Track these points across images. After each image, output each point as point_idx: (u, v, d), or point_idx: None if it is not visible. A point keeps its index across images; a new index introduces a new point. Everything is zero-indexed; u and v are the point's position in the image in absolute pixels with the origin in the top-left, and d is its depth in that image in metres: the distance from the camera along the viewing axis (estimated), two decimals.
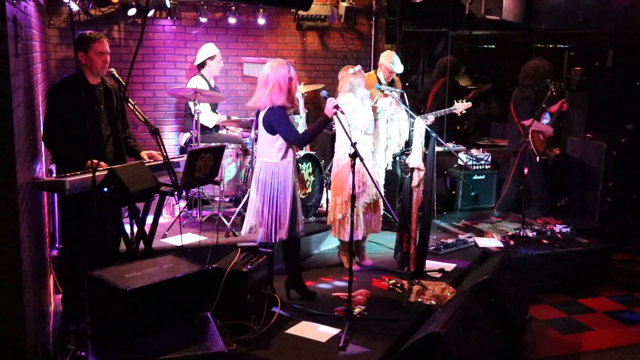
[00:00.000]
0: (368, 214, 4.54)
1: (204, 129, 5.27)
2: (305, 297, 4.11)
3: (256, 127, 4.12)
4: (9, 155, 2.35)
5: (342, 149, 4.45)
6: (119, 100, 3.64)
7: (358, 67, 4.51)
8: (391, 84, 5.46)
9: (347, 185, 4.34)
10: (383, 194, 4.56)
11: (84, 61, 3.45)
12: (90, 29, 3.58)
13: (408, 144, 4.95)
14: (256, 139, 4.44)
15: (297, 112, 5.56)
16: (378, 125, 4.58)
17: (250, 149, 5.03)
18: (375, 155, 4.58)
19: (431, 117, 5.09)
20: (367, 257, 4.85)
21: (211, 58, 5.52)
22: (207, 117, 5.39)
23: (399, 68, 5.44)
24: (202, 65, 5.56)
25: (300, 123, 5.61)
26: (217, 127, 5.59)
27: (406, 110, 4.74)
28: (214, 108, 5.57)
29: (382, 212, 4.67)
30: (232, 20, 6.15)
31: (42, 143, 3.57)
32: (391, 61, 5.41)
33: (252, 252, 3.81)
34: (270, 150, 3.85)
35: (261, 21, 6.28)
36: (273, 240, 3.89)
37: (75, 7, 5.40)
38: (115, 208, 3.41)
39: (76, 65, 3.39)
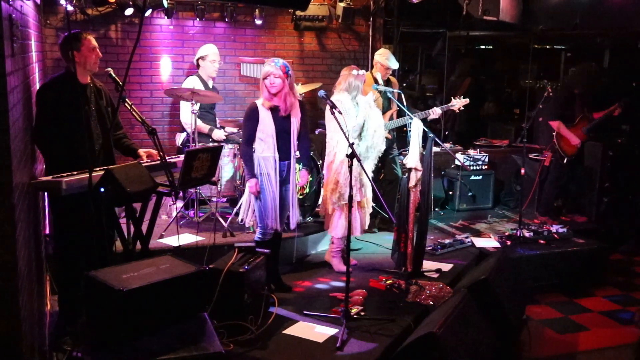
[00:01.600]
0: (360, 211, 4.56)
1: None
2: (280, 290, 4.18)
3: None
4: (4, 155, 2.34)
5: (330, 145, 4.48)
6: (108, 100, 3.67)
7: (362, 71, 4.52)
8: (387, 83, 5.46)
9: (339, 182, 4.38)
10: (370, 196, 4.60)
11: (77, 59, 3.45)
12: (87, 29, 3.58)
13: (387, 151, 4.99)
14: None
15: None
16: None
17: None
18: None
19: (438, 111, 5.13)
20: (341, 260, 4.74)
21: (202, 58, 5.49)
22: (185, 114, 5.30)
23: (394, 64, 5.44)
24: (197, 65, 5.57)
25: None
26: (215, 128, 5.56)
27: (405, 110, 4.74)
28: (211, 108, 5.55)
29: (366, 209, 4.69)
30: (229, 20, 6.14)
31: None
32: (386, 57, 5.41)
33: (249, 253, 3.81)
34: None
35: (259, 21, 6.27)
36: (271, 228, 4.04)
37: (70, 8, 5.38)
38: (110, 208, 3.40)
39: (72, 65, 3.39)
